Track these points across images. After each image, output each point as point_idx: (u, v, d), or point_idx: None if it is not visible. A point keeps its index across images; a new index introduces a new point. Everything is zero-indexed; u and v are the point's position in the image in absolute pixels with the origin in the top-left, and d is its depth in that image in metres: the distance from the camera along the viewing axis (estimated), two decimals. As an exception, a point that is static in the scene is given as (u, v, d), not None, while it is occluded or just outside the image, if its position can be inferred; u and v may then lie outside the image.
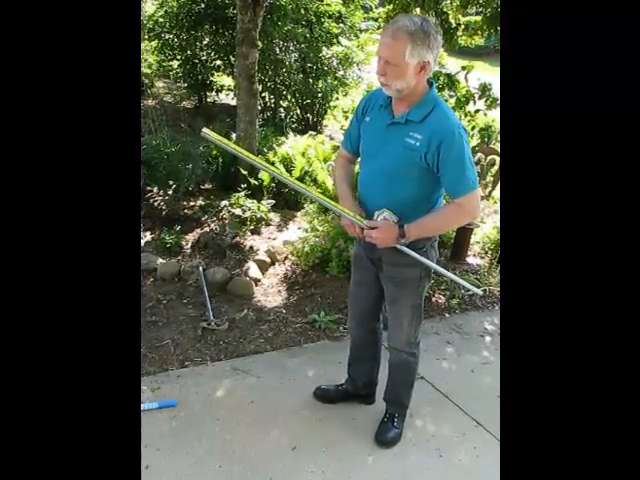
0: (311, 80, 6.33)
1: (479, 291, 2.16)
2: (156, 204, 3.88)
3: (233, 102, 6.62)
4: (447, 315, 3.25)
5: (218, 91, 7.11)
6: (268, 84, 6.35)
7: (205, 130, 1.72)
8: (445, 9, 4.71)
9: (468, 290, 3.42)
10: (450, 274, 2.02)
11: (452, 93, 4.47)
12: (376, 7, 6.99)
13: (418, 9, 4.44)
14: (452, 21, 4.78)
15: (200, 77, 6.81)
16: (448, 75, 4.43)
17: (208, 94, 7.18)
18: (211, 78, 6.91)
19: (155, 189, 3.89)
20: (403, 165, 1.80)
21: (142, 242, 3.67)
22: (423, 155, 1.75)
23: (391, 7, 5.13)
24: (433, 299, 3.35)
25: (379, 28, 6.69)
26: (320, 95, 6.46)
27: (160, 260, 3.42)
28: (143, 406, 2.25)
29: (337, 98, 6.70)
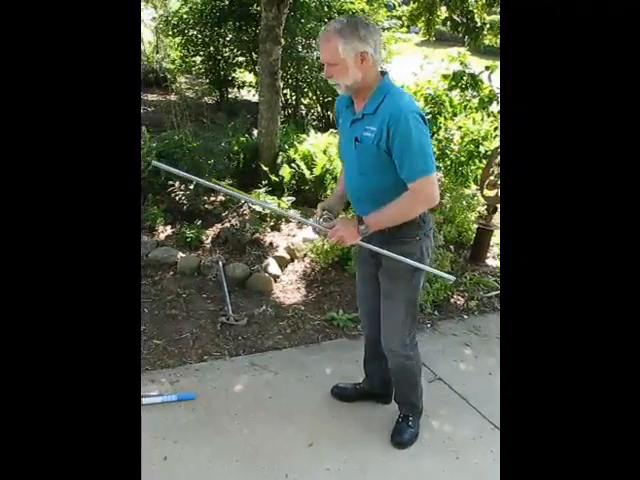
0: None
1: (451, 277, 2.11)
2: (177, 199, 3.91)
3: (254, 98, 6.64)
4: (465, 317, 3.23)
5: (240, 87, 7.15)
6: (290, 81, 6.36)
7: (155, 162, 1.97)
8: (470, 8, 4.67)
9: (487, 292, 3.43)
10: (424, 266, 1.95)
11: (475, 93, 4.45)
12: (399, 5, 6.95)
13: (444, 8, 4.42)
14: (477, 20, 4.75)
15: (222, 73, 6.85)
16: (471, 75, 4.40)
17: (230, 90, 7.22)
18: (233, 74, 6.95)
19: (176, 184, 3.92)
20: (366, 158, 1.82)
21: (163, 236, 3.71)
22: (379, 144, 1.76)
23: (415, 5, 5.12)
24: (452, 300, 3.33)
25: (402, 26, 6.67)
26: (341, 93, 6.45)
27: (180, 254, 3.45)
28: (162, 398, 2.29)
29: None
